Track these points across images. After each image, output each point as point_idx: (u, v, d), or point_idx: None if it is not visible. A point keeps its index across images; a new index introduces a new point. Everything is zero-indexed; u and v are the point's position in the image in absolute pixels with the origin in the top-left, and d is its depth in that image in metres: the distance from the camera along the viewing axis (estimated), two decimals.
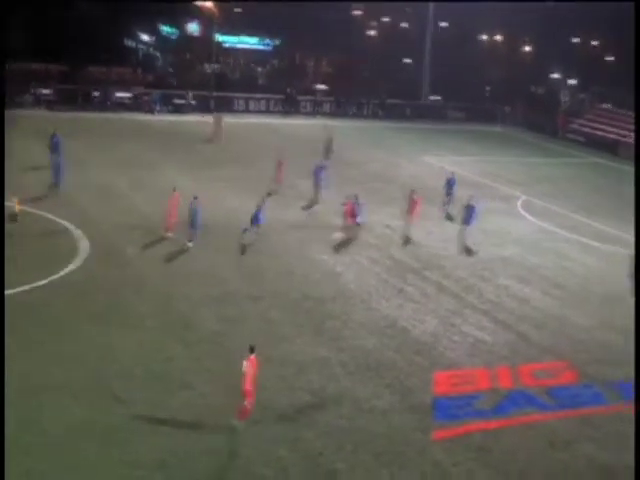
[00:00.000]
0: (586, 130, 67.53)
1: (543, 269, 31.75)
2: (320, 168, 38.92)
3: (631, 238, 34.12)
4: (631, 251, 30.75)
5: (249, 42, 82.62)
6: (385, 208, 37.16)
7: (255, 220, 30.61)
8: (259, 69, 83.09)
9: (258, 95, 68.59)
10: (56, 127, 40.57)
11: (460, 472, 17.58)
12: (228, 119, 55.49)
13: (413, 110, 72.74)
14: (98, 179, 38.69)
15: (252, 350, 18.02)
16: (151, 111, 61.09)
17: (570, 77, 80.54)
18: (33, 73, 61.17)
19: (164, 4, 75.20)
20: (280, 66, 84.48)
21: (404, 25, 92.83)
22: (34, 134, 43.57)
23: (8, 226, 29.15)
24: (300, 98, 69.15)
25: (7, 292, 22.52)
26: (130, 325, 22.92)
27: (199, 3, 71.33)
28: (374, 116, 70.22)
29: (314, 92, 73.15)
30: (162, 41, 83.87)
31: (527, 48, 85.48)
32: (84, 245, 28.93)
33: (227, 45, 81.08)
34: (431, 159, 52.59)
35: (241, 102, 66.67)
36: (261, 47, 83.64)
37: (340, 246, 31.77)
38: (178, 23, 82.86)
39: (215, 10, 67.82)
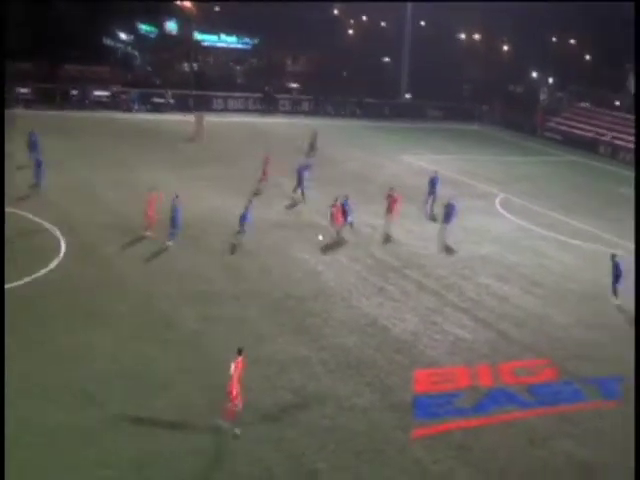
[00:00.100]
0: (564, 128, 67.97)
1: (522, 267, 31.95)
2: (304, 167, 38.89)
3: (608, 236, 34.43)
4: (613, 250, 30.79)
5: (228, 41, 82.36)
6: (365, 207, 37.16)
7: (243, 219, 30.63)
8: (238, 68, 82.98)
9: (237, 94, 68.57)
10: (33, 126, 40.27)
11: (440, 470, 17.69)
12: (208, 118, 55.40)
13: (392, 109, 72.80)
14: (78, 178, 38.48)
15: (240, 352, 17.99)
16: (129, 110, 60.91)
17: (548, 76, 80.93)
18: (11, 72, 60.67)
19: (143, 3, 74.90)
20: (259, 65, 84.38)
21: (383, 24, 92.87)
22: (12, 133, 43.17)
23: None
24: (279, 97, 69.19)
25: None
26: (110, 324, 22.84)
27: (178, 2, 71.15)
28: (352, 115, 70.28)
29: (290, 90, 73.16)
30: (141, 40, 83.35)
31: (505, 47, 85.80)
32: (64, 245, 28.79)
33: (206, 44, 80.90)
34: (410, 158, 52.65)
35: (220, 101, 66.55)
36: (240, 46, 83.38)
37: (321, 245, 31.82)
38: (157, 22, 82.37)
39: (194, 9, 67.69)
